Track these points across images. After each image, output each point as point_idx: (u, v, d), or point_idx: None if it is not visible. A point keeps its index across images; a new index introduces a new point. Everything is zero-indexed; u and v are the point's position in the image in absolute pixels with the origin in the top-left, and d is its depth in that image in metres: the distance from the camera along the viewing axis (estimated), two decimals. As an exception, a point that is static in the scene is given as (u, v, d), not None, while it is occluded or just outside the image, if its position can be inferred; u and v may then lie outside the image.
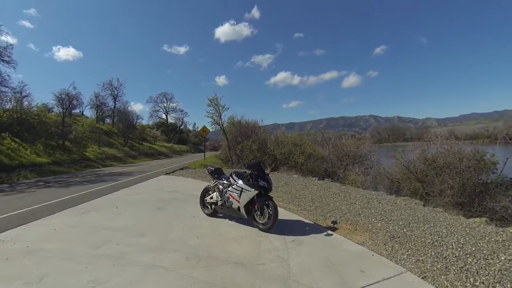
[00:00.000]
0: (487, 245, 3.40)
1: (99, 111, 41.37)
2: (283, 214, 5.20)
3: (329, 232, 4.20)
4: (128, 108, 44.66)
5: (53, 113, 28.62)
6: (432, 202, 9.31)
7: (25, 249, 3.64)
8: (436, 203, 9.18)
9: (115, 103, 43.94)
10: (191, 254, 3.38)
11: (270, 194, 4.54)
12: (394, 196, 6.53)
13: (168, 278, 2.82)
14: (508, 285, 2.57)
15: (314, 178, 9.89)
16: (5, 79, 18.68)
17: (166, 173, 13.16)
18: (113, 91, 44.11)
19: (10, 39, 22.43)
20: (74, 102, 29.67)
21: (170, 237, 4.06)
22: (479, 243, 3.49)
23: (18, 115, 18.27)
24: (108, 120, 43.47)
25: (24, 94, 20.42)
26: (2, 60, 18.53)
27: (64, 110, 27.38)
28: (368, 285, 2.67)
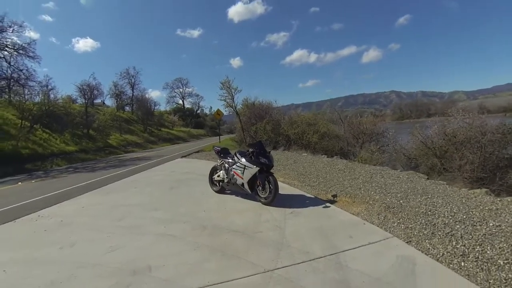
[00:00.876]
0: (479, 213, 3.50)
1: (118, 99, 42.94)
2: (287, 189, 5.49)
3: (328, 204, 4.44)
4: (146, 95, 45.93)
5: (77, 103, 30.22)
6: (450, 178, 9.17)
7: (59, 223, 4.25)
8: (454, 179, 9.04)
9: (133, 91, 45.31)
10: (197, 225, 3.80)
11: (275, 171, 4.81)
12: (398, 170, 6.57)
13: (176, 243, 3.24)
14: (488, 247, 2.72)
15: (323, 156, 10.02)
16: (32, 74, 19.91)
17: (182, 156, 13.82)
18: (131, 80, 45.36)
19: (33, 34, 23.65)
20: (95, 92, 31.04)
21: (181, 211, 4.51)
22: (472, 211, 3.59)
23: (46, 108, 19.57)
24: (127, 108, 45.12)
25: (50, 87, 21.70)
26: (28, 56, 19.66)
27: (86, 101, 28.79)
28: (353, 248, 2.93)
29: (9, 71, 19.48)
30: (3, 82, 19.98)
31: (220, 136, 24.26)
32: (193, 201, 5.12)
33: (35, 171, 13.39)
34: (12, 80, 19.84)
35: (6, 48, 19.09)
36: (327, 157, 9.79)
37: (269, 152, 4.83)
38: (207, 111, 70.35)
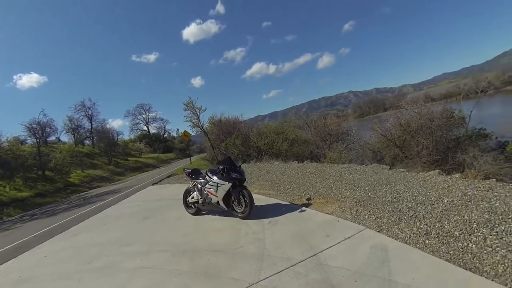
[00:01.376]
0: (435, 193, 3.87)
1: (76, 134, 40.07)
2: (263, 200, 5.53)
3: (303, 208, 4.57)
4: (106, 126, 43.57)
5: (26, 144, 27.58)
6: (411, 165, 9.97)
7: (17, 279, 3.79)
8: (414, 165, 9.85)
9: (91, 123, 42.67)
10: (176, 251, 3.66)
11: (249, 183, 4.84)
12: (364, 165, 7.01)
13: (155, 275, 3.09)
14: (445, 222, 3.02)
15: (294, 162, 10.31)
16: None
17: (153, 184, 13.22)
18: (87, 112, 42.74)
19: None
20: (47, 129, 28.67)
21: (157, 240, 4.31)
22: (429, 192, 3.95)
23: (-11, 153, 17.62)
24: (87, 142, 42.27)
25: (-8, 131, 19.60)
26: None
27: (38, 140, 26.40)
28: (331, 246, 3.05)
29: None
30: None
31: (191, 157, 23.70)
32: (169, 227, 4.92)
33: (-18, 226, 11.79)
34: None
35: None
36: (298, 162, 10.09)
37: (240, 166, 4.87)
38: (174, 133, 68.63)
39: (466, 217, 2.96)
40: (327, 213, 4.16)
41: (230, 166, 4.66)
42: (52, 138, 35.33)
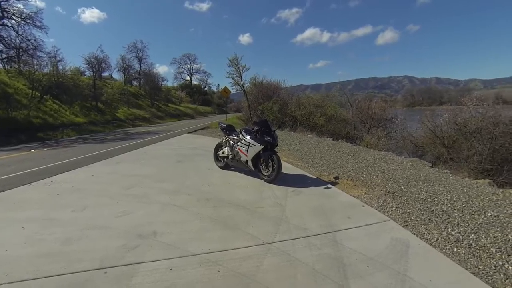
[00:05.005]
0: (479, 203, 3.53)
1: (126, 73, 42.73)
2: (290, 169, 5.58)
3: (329, 186, 4.53)
4: (153, 70, 45.56)
5: (85, 76, 30.22)
6: (455, 168, 9.14)
7: (71, 188, 4.47)
8: (459, 169, 9.01)
9: (140, 65, 44.92)
10: (201, 197, 3.95)
11: (279, 150, 4.87)
12: (402, 157, 6.56)
13: (180, 213, 3.41)
14: (483, 236, 2.79)
15: (329, 138, 10.00)
16: (40, 44, 19.86)
17: (189, 132, 13.97)
18: (138, 54, 44.82)
19: (39, 3, 23.12)
20: (103, 65, 30.82)
21: (186, 184, 4.67)
22: (472, 201, 3.62)
23: (55, 79, 19.68)
24: (135, 83, 45.01)
25: (58, 58, 21.63)
26: (35, 26, 19.50)
27: (94, 73, 28.73)
28: (350, 228, 3.03)
29: (18, 41, 19.45)
30: (12, 52, 20.00)
31: (227, 114, 24.22)
32: (198, 175, 5.27)
33: (46, 140, 13.80)
34: (21, 50, 19.83)
35: (13, 17, 18.91)
36: (332, 140, 9.77)
37: (274, 131, 4.86)
38: (214, 88, 69.83)
39: (510, 236, 2.69)
40: (353, 196, 4.08)
41: (265, 129, 4.67)
42: (106, 73, 38.11)
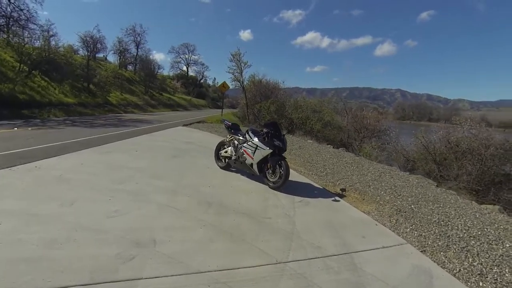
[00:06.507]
0: (494, 232, 3.40)
1: (122, 57, 41.38)
2: (294, 175, 5.32)
3: (337, 198, 4.31)
4: (150, 56, 44.32)
5: (78, 55, 28.94)
6: (445, 185, 9.17)
7: (58, 177, 4.03)
8: (449, 187, 9.05)
9: (137, 50, 43.68)
10: (202, 201, 3.63)
11: (283, 154, 4.61)
12: (407, 173, 6.44)
13: (181, 218, 3.08)
14: (506, 270, 2.62)
15: (329, 146, 9.84)
16: (33, 16, 18.68)
17: (184, 125, 13.51)
18: (136, 38, 43.55)
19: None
20: (98, 45, 29.51)
21: (184, 183, 4.33)
22: (486, 228, 3.48)
23: (46, 54, 18.61)
24: (130, 67, 43.67)
25: (51, 33, 20.45)
26: (29, -5, 18.32)
27: (89, 53, 27.55)
28: (367, 250, 2.80)
29: (9, 9, 18.26)
30: (1, 20, 18.78)
31: (222, 110, 23.76)
32: (196, 174, 4.94)
33: (31, 118, 13.01)
34: (11, 19, 18.65)
35: (6, -17, 17.73)
36: (333, 147, 9.61)
37: (284, 135, 4.59)
38: (210, 82, 68.89)
39: (536, 272, 2.54)
40: (363, 212, 3.87)
41: (275, 132, 4.40)
42: (100, 55, 36.74)
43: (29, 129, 9.18)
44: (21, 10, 18.32)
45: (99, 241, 2.42)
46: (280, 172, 4.28)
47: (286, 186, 4.38)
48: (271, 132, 4.40)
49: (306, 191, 4.47)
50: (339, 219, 3.52)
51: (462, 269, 2.63)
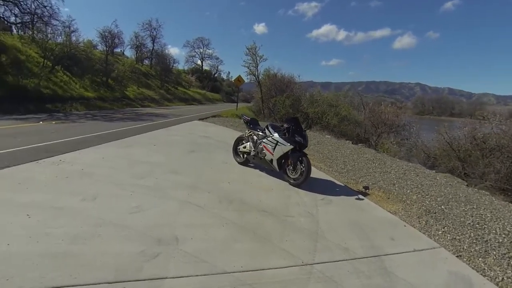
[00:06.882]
0: (539, 237, 3.12)
1: (138, 51, 42.01)
2: (314, 172, 5.14)
3: (360, 196, 4.13)
4: (166, 51, 44.74)
5: (97, 50, 29.64)
6: (470, 184, 8.70)
7: (80, 171, 4.10)
8: (475, 185, 8.58)
9: (153, 44, 44.07)
10: (223, 197, 3.57)
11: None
12: (434, 171, 6.11)
13: (202, 215, 3.03)
14: (557, 280, 2.38)
15: (348, 141, 9.54)
16: (55, 12, 19.22)
17: (200, 119, 13.55)
18: (152, 32, 43.92)
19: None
20: (116, 40, 30.10)
21: (203, 178, 4.29)
22: (529, 233, 3.20)
23: (68, 50, 19.20)
24: (146, 62, 44.31)
25: (72, 29, 21.04)
26: (51, -9, 18.84)
27: (107, 48, 28.15)
28: (397, 253, 2.64)
29: (33, 6, 18.88)
30: (27, 17, 19.43)
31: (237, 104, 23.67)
32: (215, 169, 4.89)
33: (55, 112, 13.50)
34: (35, 16, 19.28)
35: (30, -20, 18.28)
36: (352, 143, 9.32)
37: (305, 130, 4.44)
38: (224, 76, 68.91)
39: None
40: (389, 212, 3.68)
41: (296, 128, 4.25)
42: (118, 50, 37.46)
43: (53, 123, 9.51)
44: (44, 7, 18.88)
45: (123, 237, 2.40)
46: (301, 169, 4.14)
47: (306, 183, 4.25)
48: (292, 128, 4.25)
49: (327, 189, 4.32)
50: (364, 219, 3.35)
51: (505, 278, 2.42)
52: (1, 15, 18.18)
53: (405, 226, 3.28)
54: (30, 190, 3.25)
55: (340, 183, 4.74)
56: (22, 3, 18.24)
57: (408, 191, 4.49)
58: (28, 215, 2.62)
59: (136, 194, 3.39)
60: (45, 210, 2.76)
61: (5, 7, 17.89)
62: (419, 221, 3.44)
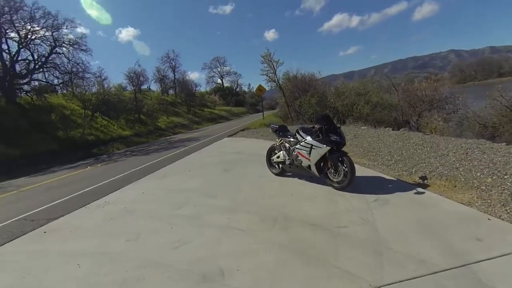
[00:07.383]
0: None
1: (162, 84, 44.76)
2: (358, 170, 4.59)
3: (419, 189, 3.56)
4: (186, 77, 47.02)
5: (126, 91, 32.23)
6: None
7: (123, 210, 4.20)
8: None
9: (174, 74, 46.65)
10: (265, 216, 3.31)
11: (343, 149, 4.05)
12: (504, 144, 5.17)
13: (245, 240, 2.80)
14: None
15: (388, 128, 8.73)
16: (87, 67, 21.58)
17: (229, 135, 13.64)
18: (171, 63, 46.59)
19: (83, 30, 25.11)
20: (141, 78, 32.60)
21: (241, 198, 4.09)
22: None
23: (102, 97, 21.20)
24: (171, 92, 46.95)
25: (103, 77, 23.32)
26: (81, 50, 21.23)
27: (135, 87, 30.49)
28: (490, 258, 2.10)
29: (69, 66, 21.31)
30: (66, 77, 21.98)
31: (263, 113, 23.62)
32: (252, 185, 4.68)
33: (99, 155, 14.67)
34: (72, 74, 21.71)
35: (63, 45, 20.75)
36: (392, 129, 8.50)
37: (340, 127, 4.03)
38: (245, 88, 70.00)
39: None
40: (462, 203, 3.08)
41: (329, 127, 3.87)
42: (144, 86, 40.35)
43: (99, 165, 10.26)
44: (78, 64, 21.22)
45: (166, 278, 2.27)
46: (344, 170, 3.73)
47: (353, 184, 3.81)
48: (325, 127, 3.88)
49: (378, 186, 3.82)
50: (433, 217, 2.82)
51: None
52: (46, 80, 20.82)
53: (489, 219, 2.68)
54: (81, 236, 3.36)
55: (391, 178, 4.19)
56: (60, 66, 20.71)
57: (479, 173, 3.78)
58: (78, 264, 2.64)
59: (176, 227, 3.30)
60: (93, 257, 2.78)
61: (49, 72, 20.50)
62: (507, 210, 2.80)
